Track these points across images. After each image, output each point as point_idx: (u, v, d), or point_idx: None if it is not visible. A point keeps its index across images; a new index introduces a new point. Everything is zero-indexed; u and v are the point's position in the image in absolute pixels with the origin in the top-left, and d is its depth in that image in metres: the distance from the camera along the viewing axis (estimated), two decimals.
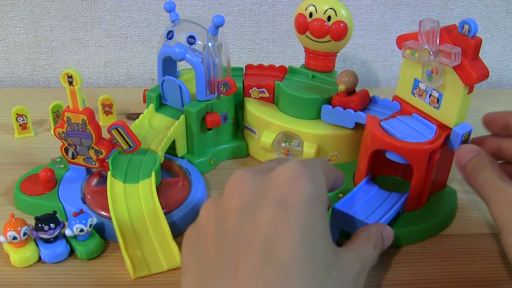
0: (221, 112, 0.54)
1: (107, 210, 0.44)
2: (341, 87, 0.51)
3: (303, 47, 0.58)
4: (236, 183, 0.32)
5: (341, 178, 0.38)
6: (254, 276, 0.27)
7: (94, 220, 0.43)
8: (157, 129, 0.53)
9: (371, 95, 0.53)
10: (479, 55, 0.42)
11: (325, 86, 0.55)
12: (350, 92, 0.52)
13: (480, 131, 0.64)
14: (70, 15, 0.73)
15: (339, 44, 0.55)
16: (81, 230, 0.42)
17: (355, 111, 0.50)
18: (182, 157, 0.54)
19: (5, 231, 0.41)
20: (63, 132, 0.46)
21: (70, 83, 0.44)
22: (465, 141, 0.45)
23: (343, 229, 0.44)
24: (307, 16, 0.55)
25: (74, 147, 0.47)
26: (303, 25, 0.55)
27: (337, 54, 0.58)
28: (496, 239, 0.47)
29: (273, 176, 0.31)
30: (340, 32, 0.54)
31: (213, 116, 0.53)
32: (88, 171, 0.50)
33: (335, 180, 0.37)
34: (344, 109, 0.51)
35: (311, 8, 0.54)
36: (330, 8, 0.53)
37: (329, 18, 0.54)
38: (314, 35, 0.55)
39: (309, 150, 0.52)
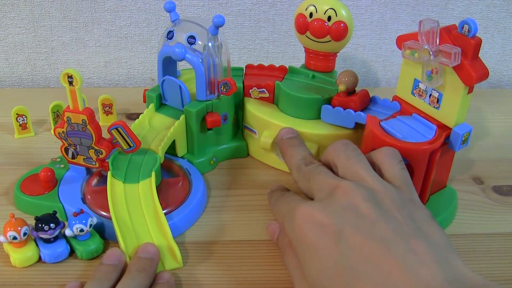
0: (221, 112, 0.54)
1: (107, 210, 0.44)
2: (341, 87, 0.51)
3: (303, 47, 0.58)
4: None
5: None
6: None
7: (94, 220, 0.43)
8: (157, 129, 0.53)
9: (371, 95, 0.53)
10: (479, 55, 0.42)
11: (325, 86, 0.55)
12: (350, 92, 0.52)
13: (480, 131, 0.64)
14: (70, 15, 0.73)
15: (339, 44, 0.55)
16: (81, 230, 0.42)
17: (355, 111, 0.50)
18: (182, 157, 0.54)
19: (5, 231, 0.41)
20: (63, 132, 0.46)
21: (70, 83, 0.44)
22: (464, 141, 0.45)
23: None
24: (307, 16, 0.55)
25: (74, 147, 0.47)
26: (303, 25, 0.55)
27: (337, 54, 0.58)
28: (496, 239, 0.47)
29: None
30: (340, 32, 0.54)
31: (213, 116, 0.53)
32: (88, 171, 0.50)
33: None
34: (344, 109, 0.51)
35: (311, 8, 0.54)
36: (330, 8, 0.53)
37: (329, 18, 0.54)
38: (314, 35, 0.55)
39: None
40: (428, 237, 0.34)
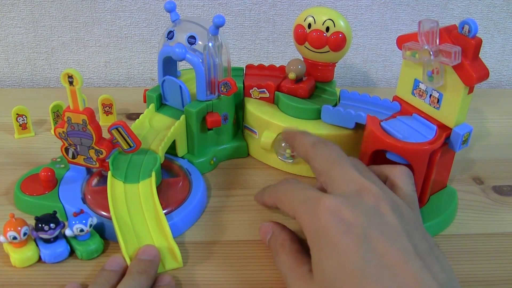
0: (221, 112, 0.54)
1: (107, 210, 0.44)
2: (291, 75, 0.54)
3: (302, 57, 0.58)
4: None
5: None
6: None
7: (94, 220, 0.43)
8: (158, 129, 0.53)
9: (371, 95, 0.53)
10: (479, 55, 0.42)
11: (324, 96, 0.56)
12: (299, 79, 0.54)
13: (480, 131, 0.64)
14: (70, 15, 0.73)
15: (337, 54, 0.55)
16: (81, 230, 0.42)
17: (303, 97, 0.52)
18: (182, 157, 0.54)
19: (5, 231, 0.41)
20: (63, 132, 0.46)
21: (71, 83, 0.44)
22: (465, 141, 0.45)
23: None
24: (306, 27, 0.55)
25: (74, 147, 0.47)
26: (302, 36, 0.55)
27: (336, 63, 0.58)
28: (496, 239, 0.47)
29: None
30: (338, 43, 0.54)
31: (213, 116, 0.53)
32: (89, 171, 0.50)
33: None
34: (293, 95, 0.53)
35: (310, 19, 0.54)
36: (329, 19, 0.53)
37: (327, 29, 0.54)
38: (313, 45, 0.55)
39: None
40: (438, 259, 0.35)
